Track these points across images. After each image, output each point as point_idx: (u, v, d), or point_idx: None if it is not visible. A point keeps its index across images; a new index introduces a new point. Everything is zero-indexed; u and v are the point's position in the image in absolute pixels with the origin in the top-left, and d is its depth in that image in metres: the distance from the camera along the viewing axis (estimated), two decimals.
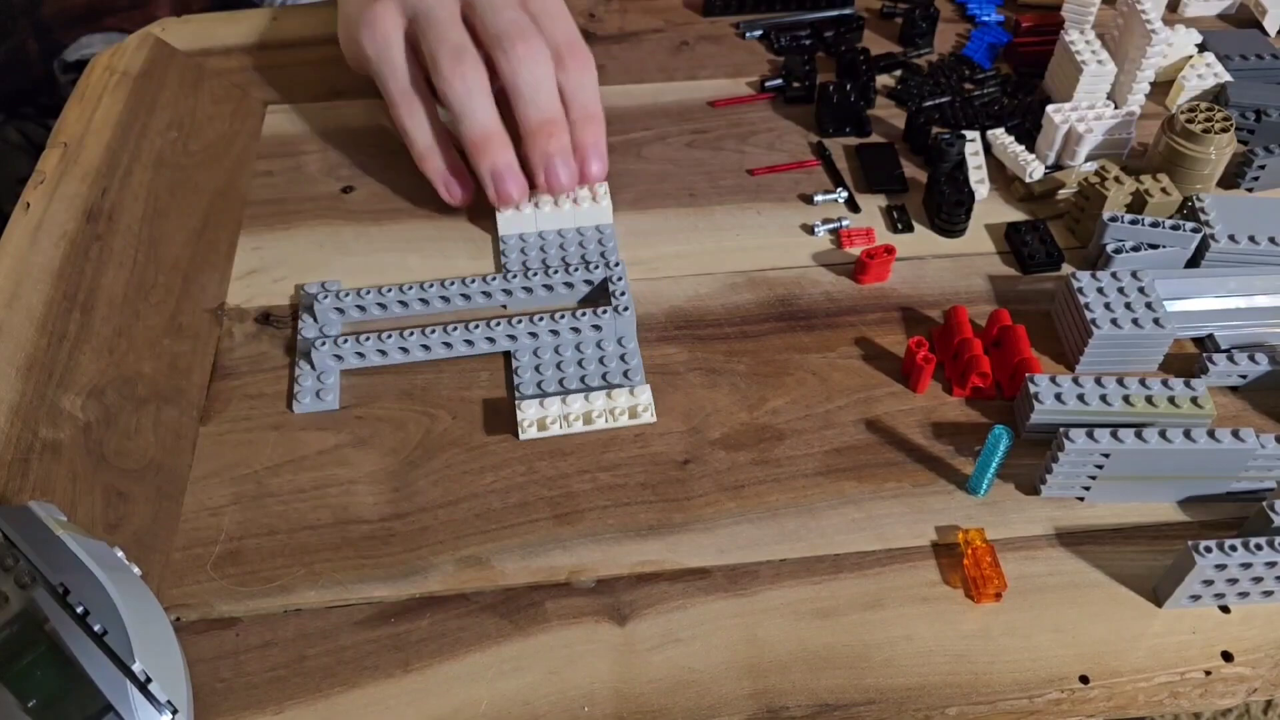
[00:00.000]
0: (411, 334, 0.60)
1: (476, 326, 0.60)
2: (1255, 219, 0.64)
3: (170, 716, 0.43)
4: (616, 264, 0.63)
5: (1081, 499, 0.55)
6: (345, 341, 0.60)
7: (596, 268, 0.63)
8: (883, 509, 0.55)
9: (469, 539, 0.53)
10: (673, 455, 0.57)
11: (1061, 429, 0.52)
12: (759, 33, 0.84)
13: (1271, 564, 0.48)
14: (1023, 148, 0.71)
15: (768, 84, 0.79)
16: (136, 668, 0.42)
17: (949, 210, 0.67)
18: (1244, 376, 0.60)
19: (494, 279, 0.63)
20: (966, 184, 0.68)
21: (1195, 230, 0.63)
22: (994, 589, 0.50)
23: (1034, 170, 0.70)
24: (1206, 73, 0.76)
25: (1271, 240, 0.63)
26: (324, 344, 0.60)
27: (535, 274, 0.63)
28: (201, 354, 0.61)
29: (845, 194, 0.71)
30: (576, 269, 0.63)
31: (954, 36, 0.84)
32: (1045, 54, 0.78)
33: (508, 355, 0.61)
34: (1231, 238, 0.63)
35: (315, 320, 0.62)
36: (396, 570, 0.52)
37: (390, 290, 0.62)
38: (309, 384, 0.60)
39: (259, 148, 0.75)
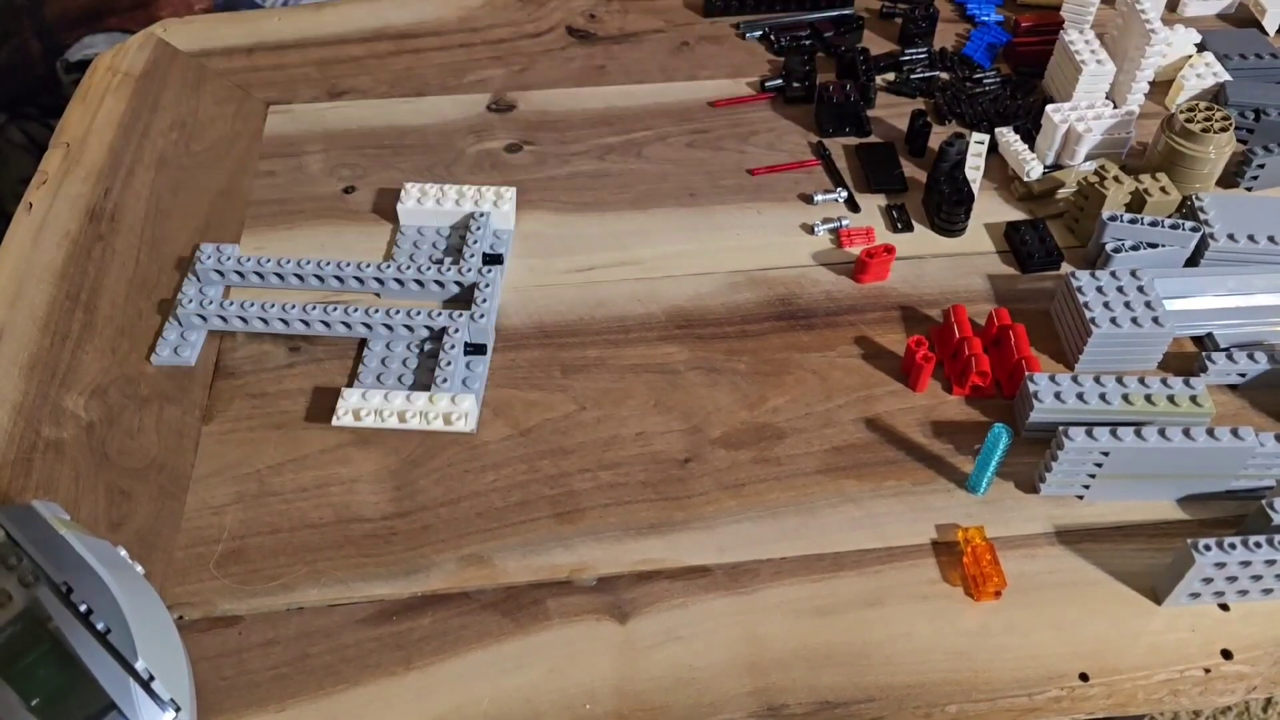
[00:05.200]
0: (272, 306, 0.61)
1: (334, 309, 0.60)
2: (1254, 218, 0.64)
3: (173, 714, 0.43)
4: (489, 271, 0.63)
5: (1081, 497, 0.55)
6: (212, 304, 0.61)
7: (469, 271, 0.63)
8: (882, 507, 0.55)
9: (470, 537, 0.53)
10: (673, 454, 0.57)
11: (1061, 427, 0.53)
12: (759, 33, 0.84)
13: (1270, 562, 0.48)
14: (1025, 146, 0.71)
15: (768, 84, 0.79)
16: (139, 666, 0.43)
17: (949, 210, 0.68)
18: (1243, 375, 0.60)
19: (368, 266, 0.63)
20: (966, 184, 0.68)
21: (1194, 229, 0.63)
22: (993, 587, 0.50)
23: (1032, 169, 0.70)
24: (1206, 72, 0.76)
25: (1270, 239, 0.63)
26: (190, 302, 0.61)
27: (408, 268, 0.63)
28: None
29: (845, 194, 0.71)
30: (449, 269, 0.63)
31: (954, 36, 0.84)
32: (1045, 54, 0.78)
33: (363, 342, 0.62)
34: (1230, 237, 0.63)
35: (197, 279, 0.63)
36: (398, 569, 0.52)
37: (268, 261, 0.63)
38: (171, 338, 0.61)
39: (261, 148, 0.75)
